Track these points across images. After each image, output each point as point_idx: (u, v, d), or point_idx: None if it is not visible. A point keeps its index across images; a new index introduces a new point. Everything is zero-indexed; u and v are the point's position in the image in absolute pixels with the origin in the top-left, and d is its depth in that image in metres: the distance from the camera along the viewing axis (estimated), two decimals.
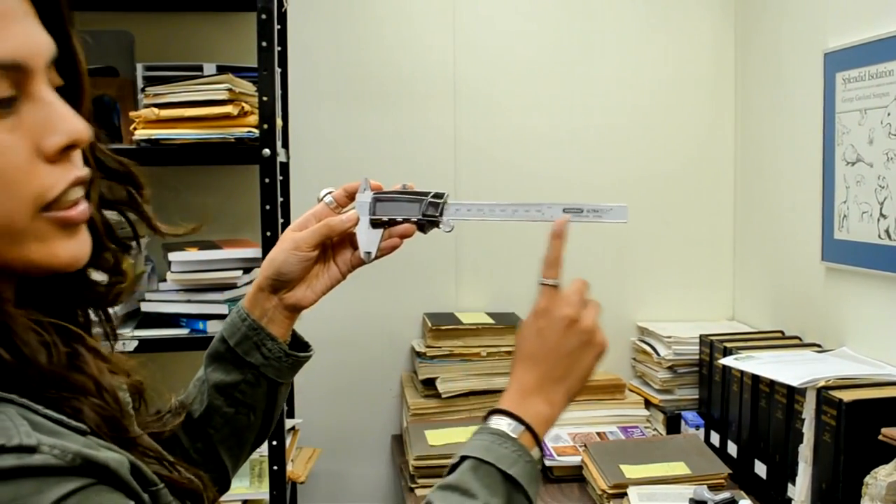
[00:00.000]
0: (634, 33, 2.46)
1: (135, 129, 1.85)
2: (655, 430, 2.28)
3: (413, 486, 1.99)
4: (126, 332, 1.78)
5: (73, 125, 0.64)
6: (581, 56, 2.45)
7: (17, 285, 0.67)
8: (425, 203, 1.02)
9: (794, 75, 2.17)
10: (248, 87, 1.90)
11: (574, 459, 2.04)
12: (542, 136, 2.44)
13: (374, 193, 1.03)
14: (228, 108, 1.83)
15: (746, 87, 2.43)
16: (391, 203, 1.03)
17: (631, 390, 2.39)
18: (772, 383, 1.82)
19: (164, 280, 1.92)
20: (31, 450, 0.55)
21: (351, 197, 1.05)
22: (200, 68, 2.00)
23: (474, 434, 0.90)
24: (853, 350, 1.88)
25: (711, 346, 2.15)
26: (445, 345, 2.23)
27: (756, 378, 1.89)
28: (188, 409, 0.99)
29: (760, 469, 1.89)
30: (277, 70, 1.88)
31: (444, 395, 2.19)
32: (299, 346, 1.05)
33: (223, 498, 1.02)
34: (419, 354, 2.27)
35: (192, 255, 1.90)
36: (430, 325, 2.25)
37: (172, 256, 1.90)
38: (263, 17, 1.81)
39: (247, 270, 1.95)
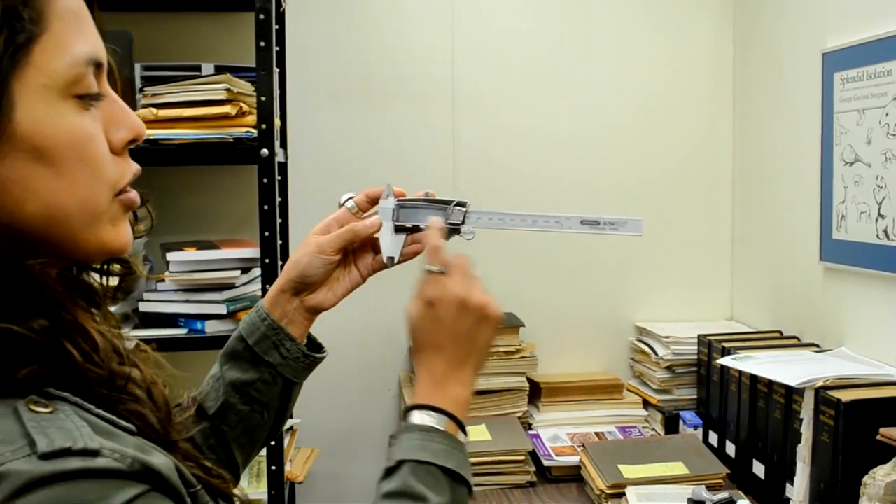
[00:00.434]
0: (633, 34, 2.46)
1: None
2: (654, 430, 2.28)
3: None
4: (124, 332, 1.78)
5: (135, 121, 0.71)
6: (580, 56, 2.45)
7: None
8: (449, 211, 1.05)
9: (792, 75, 2.17)
10: (246, 87, 1.90)
11: (572, 459, 2.04)
12: (541, 137, 2.44)
13: (398, 200, 1.06)
14: (227, 108, 1.83)
15: (745, 87, 2.43)
16: (414, 210, 1.05)
17: (629, 390, 2.39)
18: (770, 383, 1.82)
19: (163, 280, 1.92)
20: (95, 453, 0.57)
21: (372, 202, 1.07)
22: (199, 68, 2.00)
23: (401, 434, 0.91)
24: (851, 350, 1.89)
25: (710, 346, 2.15)
26: None
27: (754, 378, 1.89)
28: (203, 407, 1.01)
29: (759, 469, 1.89)
30: (276, 70, 1.88)
31: None
32: (314, 348, 1.08)
33: None
34: None
35: (191, 255, 1.90)
36: None
37: (171, 256, 1.90)
38: (261, 17, 1.81)
39: (245, 270, 1.95)
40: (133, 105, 1.98)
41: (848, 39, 1.90)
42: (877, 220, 1.81)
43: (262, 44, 1.81)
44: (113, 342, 0.67)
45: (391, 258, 1.05)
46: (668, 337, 2.30)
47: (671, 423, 2.25)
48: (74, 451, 0.56)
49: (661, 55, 2.46)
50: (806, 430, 1.64)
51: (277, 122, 1.90)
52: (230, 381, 1.02)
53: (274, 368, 1.02)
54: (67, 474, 0.55)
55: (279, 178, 1.93)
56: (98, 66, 0.67)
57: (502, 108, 2.43)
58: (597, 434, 2.20)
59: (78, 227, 0.66)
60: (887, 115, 1.77)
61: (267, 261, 1.83)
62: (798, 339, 2.10)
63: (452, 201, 1.05)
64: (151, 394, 0.70)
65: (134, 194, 0.72)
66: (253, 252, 1.94)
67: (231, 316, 1.89)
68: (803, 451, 1.65)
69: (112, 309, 0.78)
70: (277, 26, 2.10)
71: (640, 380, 2.43)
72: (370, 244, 1.07)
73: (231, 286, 1.91)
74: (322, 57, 2.38)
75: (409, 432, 0.91)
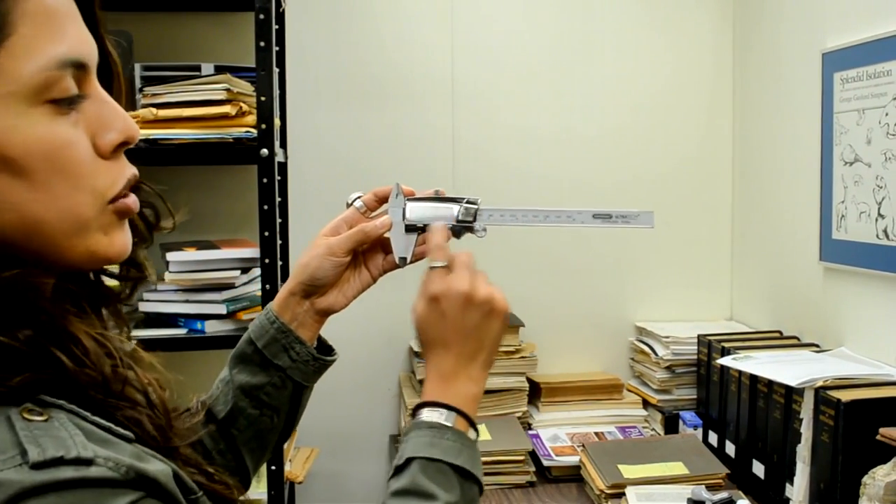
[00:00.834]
0: (633, 34, 2.46)
1: None
2: (653, 430, 2.28)
3: None
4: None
5: (127, 123, 0.67)
6: (580, 56, 2.45)
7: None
8: (459, 208, 1.04)
9: (792, 75, 2.17)
10: (246, 86, 1.90)
11: (572, 459, 2.04)
12: (540, 137, 2.44)
13: (407, 199, 1.04)
14: (226, 108, 1.82)
15: (745, 87, 2.43)
16: (425, 208, 1.04)
17: (629, 390, 2.39)
18: (770, 383, 1.82)
19: (163, 280, 1.92)
20: (88, 462, 0.56)
21: (381, 201, 1.05)
22: (198, 68, 2.00)
23: (411, 431, 0.90)
24: (851, 350, 1.89)
25: (709, 346, 2.15)
26: None
27: (754, 378, 1.89)
28: (212, 411, 1.00)
29: (758, 469, 1.89)
30: (275, 70, 1.88)
31: None
32: (324, 350, 1.07)
33: None
34: (418, 355, 2.27)
35: (190, 254, 1.90)
36: None
37: (170, 256, 1.90)
38: (261, 17, 1.81)
39: (245, 270, 1.95)
40: (133, 105, 1.98)
41: (848, 39, 1.90)
42: (877, 220, 1.81)
43: (262, 44, 1.81)
44: (108, 346, 0.65)
45: (403, 258, 1.04)
46: (667, 337, 2.30)
47: (671, 423, 2.25)
48: (67, 461, 0.55)
49: (661, 55, 2.46)
50: (806, 430, 1.64)
51: (277, 122, 1.90)
52: (239, 385, 1.01)
53: (283, 372, 1.01)
54: (60, 484, 0.54)
55: (279, 178, 1.93)
56: (80, 66, 0.64)
57: (502, 108, 2.43)
58: (597, 434, 2.20)
59: (60, 238, 0.64)
60: (887, 115, 1.77)
61: (267, 261, 1.83)
62: (798, 339, 2.10)
63: (463, 199, 1.04)
64: (149, 398, 0.68)
65: (131, 200, 0.69)
66: (253, 252, 1.94)
67: (231, 316, 1.89)
68: (803, 451, 1.65)
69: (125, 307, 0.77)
70: (277, 26, 2.10)
71: (639, 380, 2.43)
72: (380, 244, 1.06)
73: (231, 286, 1.91)
74: (322, 57, 2.38)
75: (417, 429, 0.90)
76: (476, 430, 0.93)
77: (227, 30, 2.25)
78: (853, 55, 1.87)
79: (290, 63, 2.30)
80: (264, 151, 1.81)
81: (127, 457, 0.58)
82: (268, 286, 1.83)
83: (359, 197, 1.06)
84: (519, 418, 2.22)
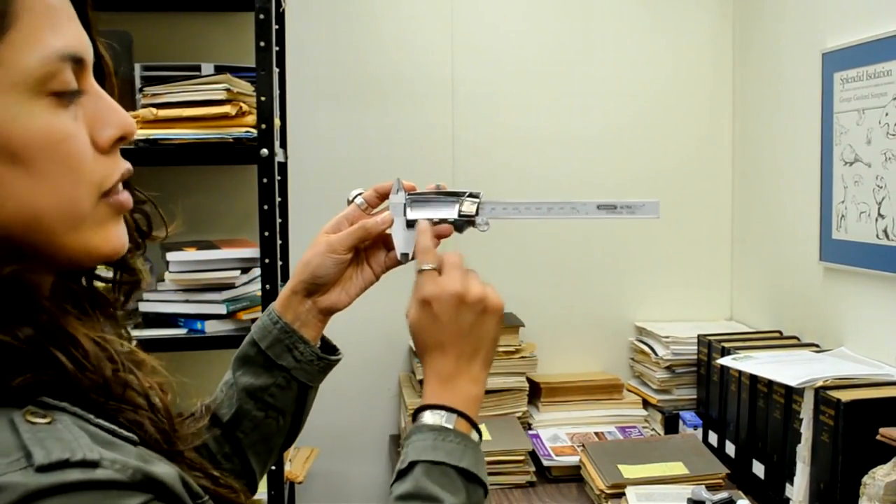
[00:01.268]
0: (632, 33, 2.46)
1: None
2: (653, 430, 2.28)
3: None
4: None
5: (124, 119, 0.67)
6: (579, 56, 2.45)
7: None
8: (462, 202, 1.02)
9: (792, 75, 2.17)
10: (246, 86, 1.89)
11: (572, 459, 2.04)
12: (540, 137, 2.44)
13: (409, 194, 1.03)
14: (226, 108, 1.82)
15: (744, 87, 2.43)
16: (426, 203, 1.03)
17: (629, 390, 2.39)
18: (770, 383, 1.82)
19: (162, 280, 1.92)
20: (94, 464, 0.55)
21: (382, 197, 1.04)
22: (198, 68, 2.00)
23: (412, 435, 0.89)
24: (851, 350, 1.89)
25: (709, 346, 2.15)
26: None
27: (754, 378, 1.89)
28: (217, 414, 0.98)
29: (758, 469, 1.89)
30: (275, 70, 1.88)
31: None
32: (329, 350, 1.05)
33: None
34: (417, 355, 2.27)
35: (191, 254, 1.90)
36: None
37: (170, 256, 1.90)
38: (261, 17, 1.81)
39: (245, 270, 1.95)
40: (133, 105, 1.98)
41: (848, 39, 1.90)
42: (877, 220, 1.81)
43: (262, 44, 1.81)
44: (108, 349, 0.64)
45: (405, 254, 1.02)
46: (667, 337, 2.30)
47: (671, 423, 2.25)
48: (73, 463, 0.54)
49: (661, 55, 2.46)
50: (806, 430, 1.64)
51: (277, 122, 1.90)
52: (243, 387, 0.99)
53: (288, 372, 1.00)
54: (66, 486, 0.53)
55: (279, 177, 1.93)
56: (78, 61, 0.64)
57: (502, 108, 2.43)
58: (596, 434, 2.20)
59: (59, 232, 0.63)
60: (887, 115, 1.77)
61: (267, 261, 1.83)
62: (798, 339, 2.10)
63: (465, 193, 1.03)
64: (151, 402, 0.67)
65: (125, 196, 0.69)
66: (253, 252, 1.94)
67: (231, 316, 1.89)
68: (803, 451, 1.65)
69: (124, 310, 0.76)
70: (277, 26, 2.10)
71: (639, 380, 2.43)
72: (382, 241, 1.04)
73: (231, 286, 1.91)
74: (322, 57, 2.38)
75: (419, 433, 0.88)
76: (479, 431, 0.92)
77: (227, 30, 2.25)
78: (853, 55, 1.87)
79: (290, 63, 2.30)
80: (264, 151, 1.81)
81: (133, 458, 0.58)
82: (268, 286, 1.83)
83: (360, 194, 1.04)
84: (519, 418, 2.22)
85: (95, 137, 0.65)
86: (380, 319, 2.40)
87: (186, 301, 1.89)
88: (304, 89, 2.35)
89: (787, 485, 1.74)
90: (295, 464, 2.15)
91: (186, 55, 2.16)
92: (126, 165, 0.69)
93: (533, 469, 2.03)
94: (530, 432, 2.19)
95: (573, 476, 2.02)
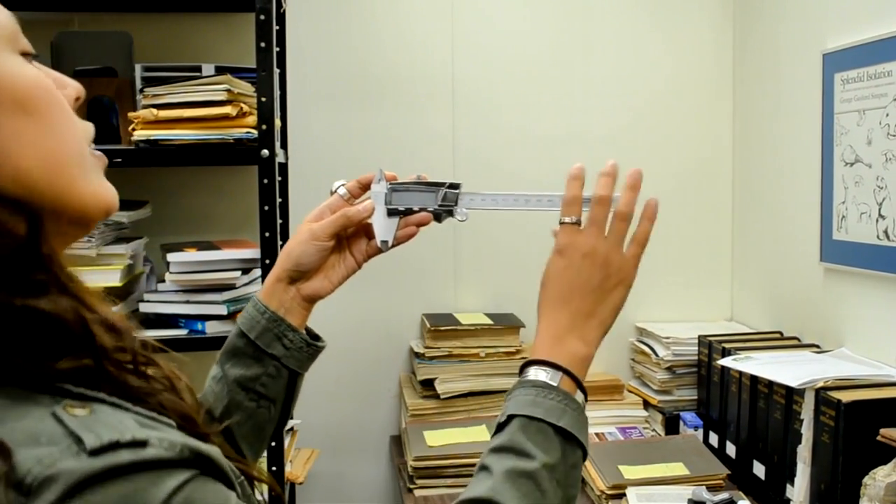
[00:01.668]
0: (633, 34, 2.46)
1: (133, 129, 1.85)
2: (654, 430, 2.28)
3: (411, 486, 1.99)
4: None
5: (71, 80, 0.69)
6: (580, 57, 2.45)
7: None
8: (441, 192, 1.05)
9: (792, 76, 2.17)
10: (246, 87, 1.90)
11: None
12: (541, 137, 2.44)
13: (390, 183, 1.06)
14: (227, 109, 1.82)
15: (745, 87, 2.43)
16: (407, 193, 1.05)
17: (629, 391, 2.39)
18: (770, 384, 1.82)
19: (163, 281, 1.92)
20: (143, 444, 0.55)
21: (364, 188, 1.07)
22: (199, 69, 2.00)
23: (515, 389, 0.89)
24: (852, 351, 1.89)
25: (710, 347, 2.15)
26: (444, 345, 2.23)
27: (755, 379, 1.89)
28: (208, 410, 0.99)
29: (759, 470, 1.89)
30: (276, 71, 1.88)
31: (442, 396, 2.19)
32: (313, 337, 1.07)
33: None
34: (418, 355, 2.27)
35: (191, 255, 1.90)
36: (428, 325, 2.25)
37: (171, 257, 1.90)
38: (262, 17, 1.81)
39: (245, 271, 1.95)
40: (133, 106, 1.98)
41: (848, 40, 1.90)
42: (877, 220, 1.81)
43: (263, 44, 1.81)
44: (128, 325, 0.65)
45: (385, 242, 1.05)
46: (668, 337, 2.30)
47: (671, 424, 2.25)
48: (124, 444, 0.55)
49: (661, 56, 2.46)
50: (806, 431, 1.64)
51: (278, 122, 1.90)
52: (234, 379, 1.01)
53: (279, 361, 1.01)
54: (119, 469, 0.54)
55: (279, 178, 1.93)
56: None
57: (502, 109, 2.43)
58: (597, 435, 2.19)
59: (75, 175, 0.65)
60: (888, 115, 1.77)
61: (267, 262, 1.83)
62: (798, 339, 2.10)
63: (445, 183, 1.05)
64: (176, 389, 0.68)
65: (102, 154, 0.70)
66: (253, 253, 1.94)
67: (231, 317, 1.89)
68: (804, 452, 1.65)
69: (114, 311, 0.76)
70: (278, 27, 2.10)
71: (640, 380, 2.43)
72: (364, 230, 1.06)
73: (231, 287, 1.91)
74: (322, 57, 2.38)
75: (522, 388, 0.88)
76: (584, 392, 0.90)
77: (227, 30, 2.25)
78: (854, 56, 1.87)
79: (290, 64, 2.30)
80: (265, 152, 1.81)
81: (178, 437, 0.58)
82: None
83: (343, 184, 1.07)
84: None
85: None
86: (380, 320, 2.41)
87: (187, 302, 1.89)
88: (304, 90, 2.35)
89: (788, 485, 1.74)
90: (295, 465, 2.15)
91: (187, 56, 2.16)
92: (90, 123, 0.71)
93: None
94: None
95: None
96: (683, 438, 2.11)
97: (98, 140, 0.72)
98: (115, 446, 0.54)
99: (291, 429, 2.18)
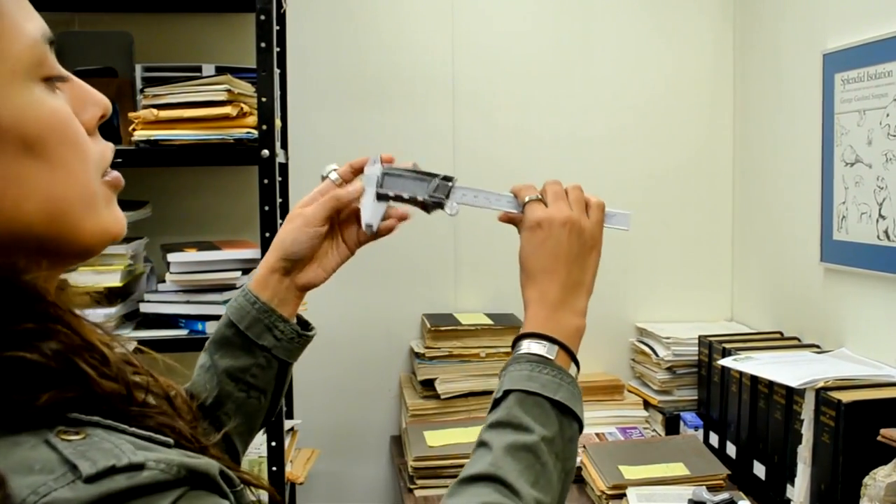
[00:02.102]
0: (633, 34, 2.46)
1: (134, 129, 1.85)
2: (654, 430, 2.28)
3: (412, 486, 1.99)
4: (124, 333, 1.78)
5: (100, 96, 0.67)
6: (580, 57, 2.45)
7: None
8: (434, 184, 1.02)
9: (792, 76, 2.17)
10: (247, 87, 1.90)
11: None
12: (541, 137, 2.44)
13: (385, 167, 1.04)
14: (227, 109, 1.82)
15: (745, 87, 2.43)
16: (399, 179, 1.03)
17: (630, 391, 2.39)
18: (771, 384, 1.82)
19: (163, 281, 1.92)
20: (140, 467, 0.54)
21: (356, 172, 1.06)
22: (199, 69, 2.00)
23: (511, 364, 0.89)
24: (852, 351, 1.89)
25: (710, 347, 2.15)
26: (444, 346, 2.23)
27: (755, 379, 1.89)
28: (197, 399, 0.98)
29: (759, 470, 1.89)
30: (276, 71, 1.88)
31: (442, 396, 2.19)
32: (303, 326, 1.06)
33: None
34: (418, 355, 2.27)
35: (191, 255, 1.90)
36: (428, 326, 2.25)
37: (171, 257, 1.90)
38: (262, 18, 1.81)
39: (245, 271, 1.95)
40: (133, 106, 1.98)
41: (848, 40, 1.90)
42: (877, 220, 1.81)
43: (263, 45, 1.81)
44: (124, 354, 0.63)
45: (369, 225, 1.02)
46: (668, 338, 2.30)
47: (672, 424, 2.25)
48: (120, 468, 0.53)
49: (662, 56, 2.46)
50: (806, 431, 1.64)
51: (278, 122, 1.90)
52: (224, 370, 1.00)
53: (269, 351, 1.00)
54: (116, 495, 0.52)
55: (280, 178, 1.93)
56: (52, 43, 0.64)
57: (502, 108, 2.43)
58: (597, 435, 2.20)
59: (80, 216, 0.63)
60: (888, 115, 1.77)
61: None
62: (798, 339, 2.10)
63: (439, 175, 1.03)
64: (173, 402, 0.66)
65: (117, 174, 0.68)
66: (254, 253, 1.94)
67: None
68: (804, 452, 1.65)
69: (112, 310, 0.76)
70: (278, 27, 2.10)
71: (640, 380, 2.43)
72: (356, 216, 1.05)
73: (232, 287, 1.91)
74: (323, 58, 2.38)
75: (517, 363, 0.88)
76: (578, 365, 0.91)
77: (227, 31, 2.25)
78: (854, 56, 1.87)
79: (290, 64, 2.30)
80: (265, 152, 1.81)
81: (175, 456, 0.57)
82: None
83: (334, 169, 1.06)
84: None
85: (81, 119, 0.65)
86: (380, 320, 2.40)
87: (187, 302, 1.89)
88: (304, 90, 2.36)
89: (788, 486, 1.74)
90: (296, 465, 2.14)
91: (187, 56, 2.16)
92: (112, 146, 0.69)
93: None
94: None
95: (574, 477, 2.02)
96: (684, 438, 2.11)
97: None
98: (111, 471, 0.53)
99: (291, 429, 2.18)
